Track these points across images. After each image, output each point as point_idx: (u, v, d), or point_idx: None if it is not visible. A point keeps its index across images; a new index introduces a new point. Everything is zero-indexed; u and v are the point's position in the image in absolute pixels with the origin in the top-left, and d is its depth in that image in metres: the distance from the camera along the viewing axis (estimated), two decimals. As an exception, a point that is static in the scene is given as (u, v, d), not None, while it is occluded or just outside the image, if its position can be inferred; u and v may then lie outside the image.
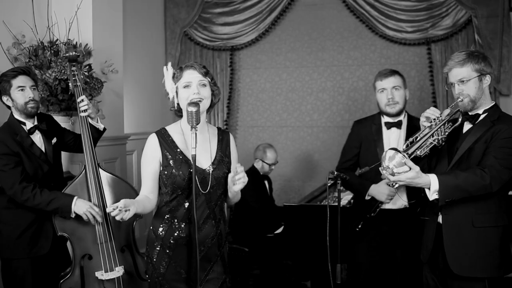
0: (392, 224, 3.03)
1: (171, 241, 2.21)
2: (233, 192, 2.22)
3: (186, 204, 2.21)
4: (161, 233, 2.23)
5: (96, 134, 3.09)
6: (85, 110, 2.96)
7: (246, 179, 2.13)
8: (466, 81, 2.36)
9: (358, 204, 3.17)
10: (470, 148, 2.35)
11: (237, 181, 2.12)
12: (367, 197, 3.06)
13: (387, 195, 2.95)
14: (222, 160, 2.27)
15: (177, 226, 2.21)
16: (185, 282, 2.22)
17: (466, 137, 2.39)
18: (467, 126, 2.44)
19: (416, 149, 2.34)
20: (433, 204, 2.40)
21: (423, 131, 2.40)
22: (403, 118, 3.07)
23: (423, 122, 2.43)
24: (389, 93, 3.00)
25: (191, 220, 2.18)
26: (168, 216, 2.23)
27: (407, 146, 2.35)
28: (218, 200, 2.25)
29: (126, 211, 2.03)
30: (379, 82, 3.06)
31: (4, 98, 2.85)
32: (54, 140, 2.99)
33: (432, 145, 2.39)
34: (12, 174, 2.72)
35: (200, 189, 2.16)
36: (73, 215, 2.76)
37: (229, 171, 2.25)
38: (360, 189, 3.10)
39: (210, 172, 2.20)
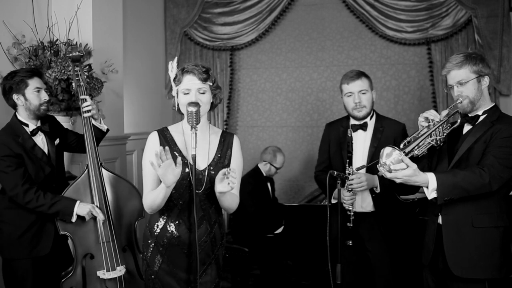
0: (365, 226, 3.00)
1: (165, 240, 2.23)
2: (217, 193, 2.11)
3: (180, 204, 2.21)
4: (155, 232, 2.25)
5: (99, 135, 3.09)
6: (88, 111, 2.97)
7: (233, 185, 2.03)
8: (465, 83, 2.36)
9: (331, 208, 3.07)
10: (469, 148, 2.35)
11: (226, 179, 2.02)
12: (333, 201, 3.01)
13: (346, 199, 2.88)
14: (220, 162, 2.25)
15: (171, 225, 2.22)
16: (178, 282, 2.23)
17: (466, 138, 2.39)
18: (467, 128, 2.45)
19: (414, 148, 2.33)
20: (433, 206, 2.40)
21: (421, 131, 2.40)
22: (369, 120, 3.04)
23: (422, 122, 2.43)
24: (356, 97, 2.96)
25: (185, 221, 2.20)
26: (163, 215, 2.24)
27: (404, 144, 2.35)
28: (214, 202, 2.24)
29: None
30: (345, 85, 3.01)
31: (15, 97, 2.83)
32: (57, 141, 2.99)
33: (430, 145, 2.39)
34: (14, 175, 2.72)
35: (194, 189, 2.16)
36: (74, 219, 2.77)
37: None
38: (330, 191, 2.98)
39: (206, 173, 2.19)
